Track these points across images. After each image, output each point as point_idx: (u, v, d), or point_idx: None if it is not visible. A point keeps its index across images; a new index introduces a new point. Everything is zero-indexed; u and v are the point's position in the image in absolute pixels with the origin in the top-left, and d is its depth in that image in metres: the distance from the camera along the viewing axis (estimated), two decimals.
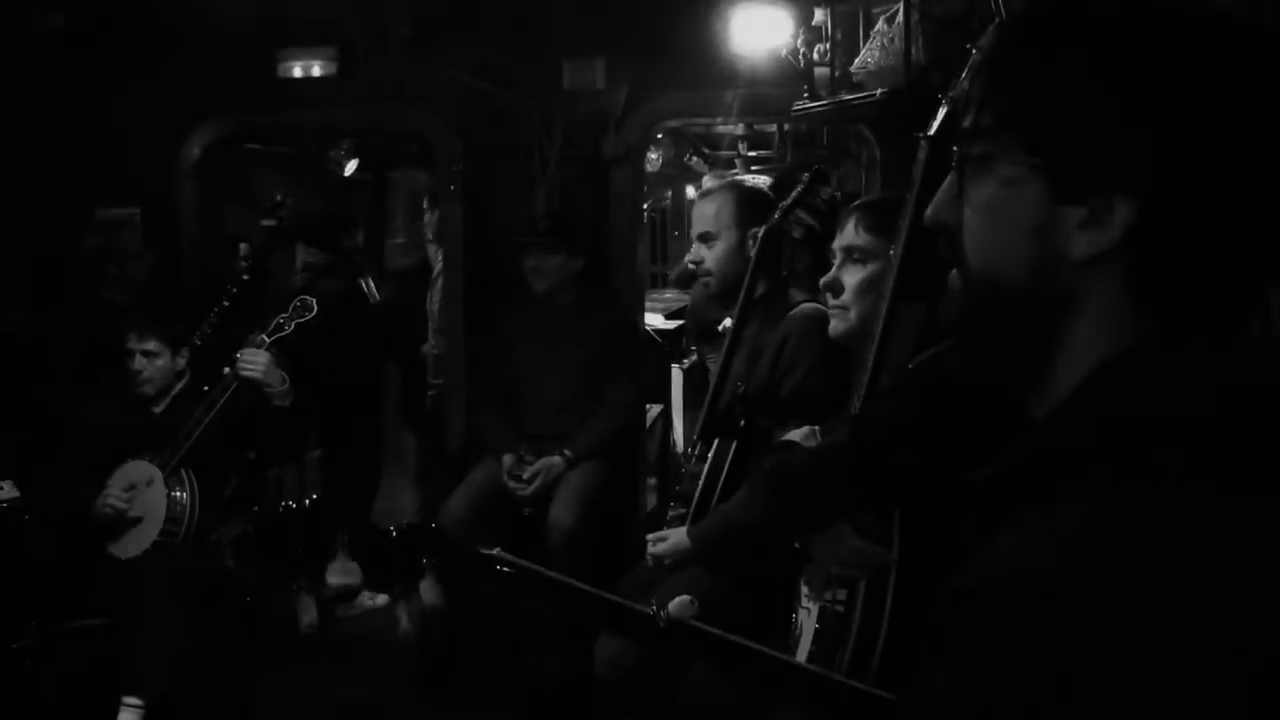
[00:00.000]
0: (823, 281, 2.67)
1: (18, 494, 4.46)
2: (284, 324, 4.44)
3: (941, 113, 2.33)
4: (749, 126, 7.93)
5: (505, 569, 1.45)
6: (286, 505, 5.01)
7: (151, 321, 4.49)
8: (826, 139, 7.11)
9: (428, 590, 5.09)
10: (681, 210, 11.08)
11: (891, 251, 2.42)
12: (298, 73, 5.75)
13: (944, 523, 2.30)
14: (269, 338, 4.40)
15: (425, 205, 6.16)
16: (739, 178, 3.97)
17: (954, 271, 1.09)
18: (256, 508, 4.80)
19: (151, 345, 4.43)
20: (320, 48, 5.68)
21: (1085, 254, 0.96)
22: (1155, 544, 0.83)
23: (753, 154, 9.63)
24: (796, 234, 3.43)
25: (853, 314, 2.61)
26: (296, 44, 5.72)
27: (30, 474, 4.49)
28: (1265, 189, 0.94)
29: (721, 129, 8.68)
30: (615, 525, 4.86)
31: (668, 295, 9.15)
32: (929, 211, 1.11)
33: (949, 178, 1.08)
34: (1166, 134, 0.94)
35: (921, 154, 2.36)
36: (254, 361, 4.24)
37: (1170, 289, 0.96)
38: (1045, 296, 0.99)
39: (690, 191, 11.24)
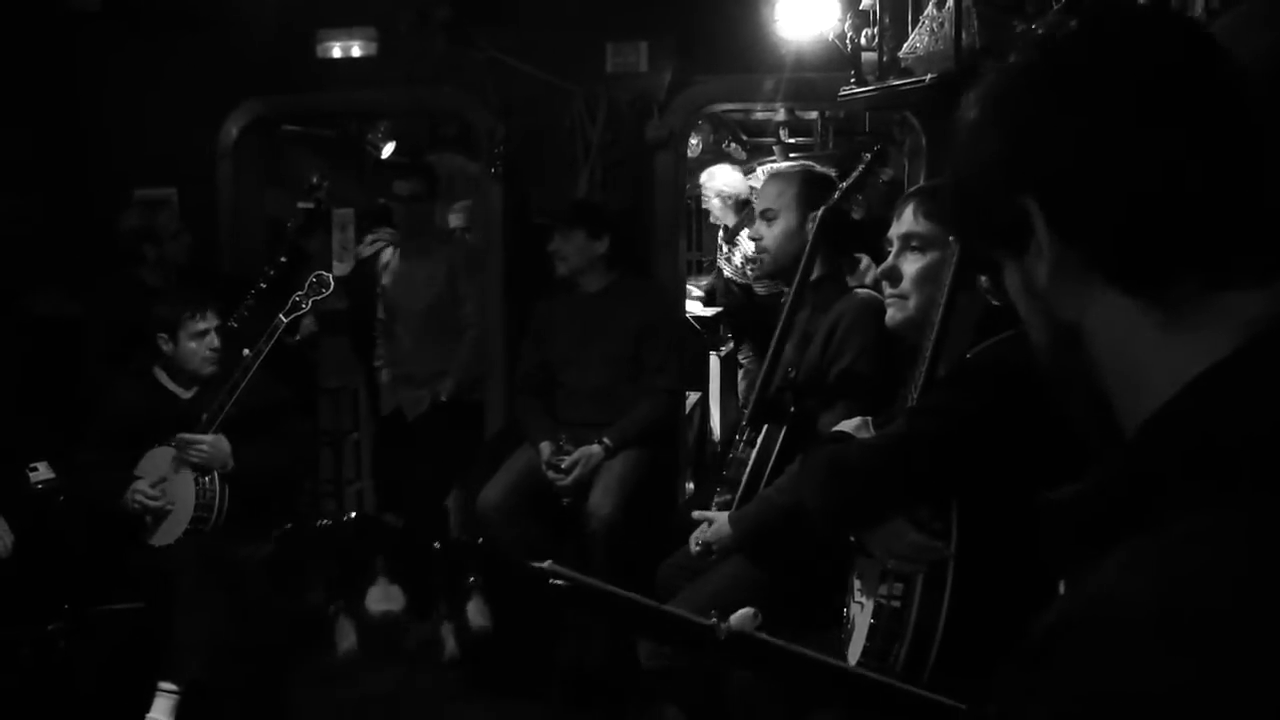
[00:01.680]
0: (880, 270, 2.61)
1: (53, 475, 4.44)
2: (300, 302, 4.40)
3: None
4: (790, 113, 7.84)
5: (559, 583, 1.40)
6: (321, 523, 4.85)
7: (205, 297, 4.48)
8: (869, 126, 7.03)
9: (475, 611, 4.83)
10: None
11: (952, 238, 2.35)
12: (337, 53, 5.72)
13: (1003, 516, 2.24)
14: (286, 318, 4.36)
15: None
16: (808, 163, 3.92)
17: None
18: (290, 525, 4.67)
19: (212, 321, 4.41)
20: (360, 28, 5.65)
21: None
22: (1275, 570, 0.77)
23: (792, 140, 9.55)
24: (856, 215, 3.37)
25: (912, 303, 2.54)
26: (336, 24, 5.69)
27: (65, 456, 4.47)
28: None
29: (762, 115, 8.61)
30: (654, 514, 4.80)
31: (704, 282, 9.08)
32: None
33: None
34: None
35: None
36: (211, 449, 4.26)
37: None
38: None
39: None
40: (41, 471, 4.43)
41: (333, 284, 4.47)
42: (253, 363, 4.28)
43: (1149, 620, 0.78)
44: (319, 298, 4.45)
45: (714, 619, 1.41)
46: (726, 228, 7.48)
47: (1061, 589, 0.99)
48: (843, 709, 1.98)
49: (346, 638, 4.86)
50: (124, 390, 4.49)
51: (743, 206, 7.05)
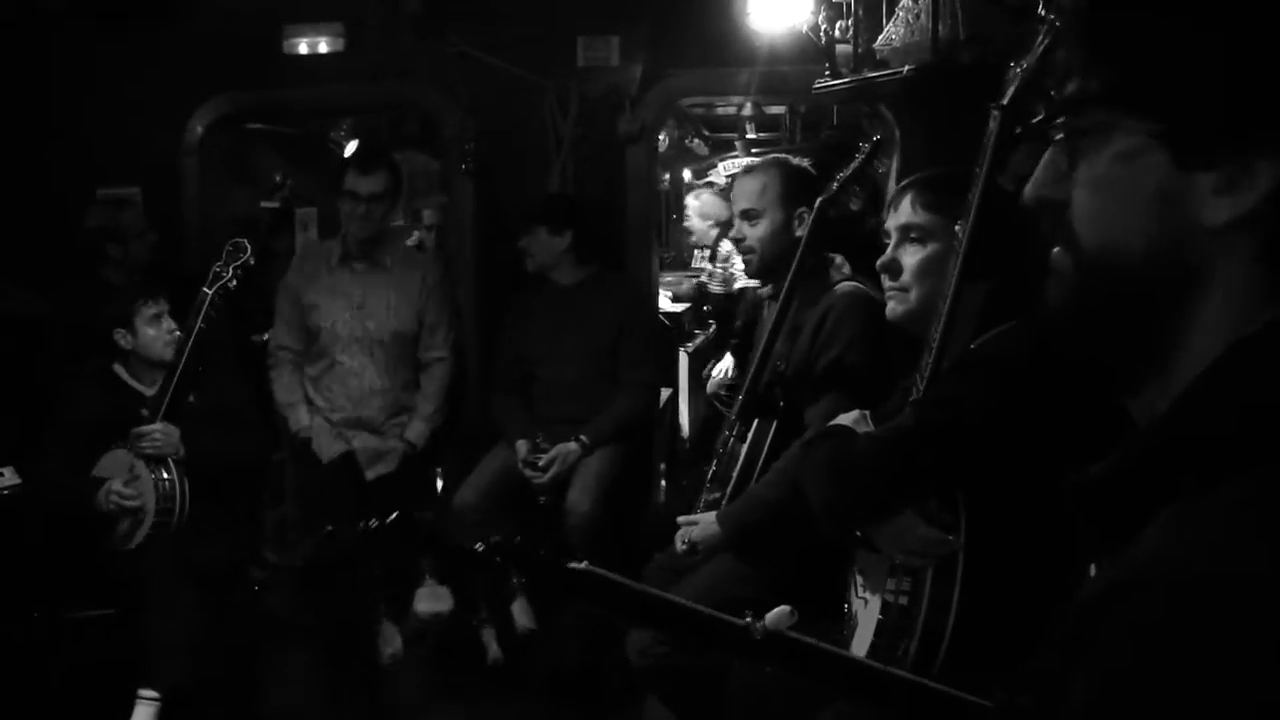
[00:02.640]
0: (879, 263, 2.57)
1: (18, 481, 4.35)
2: (221, 271, 4.32)
3: (1014, 82, 2.23)
4: (757, 108, 7.85)
5: (595, 584, 1.36)
6: (366, 524, 4.69)
7: (154, 284, 4.44)
8: (836, 120, 7.02)
9: (520, 612, 4.71)
10: (680, 194, 10.98)
11: (957, 228, 2.32)
12: (304, 49, 5.66)
13: (1013, 507, 2.23)
14: (210, 290, 4.27)
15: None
16: (783, 155, 3.87)
17: (1057, 251, 1.01)
18: (330, 528, 4.49)
19: (164, 305, 4.33)
20: (327, 23, 5.58)
21: (1224, 221, 0.88)
22: None
23: (756, 136, 9.56)
24: (854, 206, 3.34)
25: (913, 296, 2.50)
26: (302, 20, 5.62)
27: (28, 459, 4.38)
28: None
29: (724, 110, 8.61)
30: (632, 511, 4.77)
31: (669, 279, 9.06)
32: (1030, 189, 1.04)
33: (1050, 152, 1.01)
34: None
35: (993, 124, 2.27)
36: (163, 435, 4.17)
37: None
38: (1169, 272, 0.92)
39: (688, 174, 11.15)
40: (6, 477, 4.35)
41: (249, 249, 4.37)
42: (186, 341, 4.19)
43: (1200, 584, 0.75)
44: (238, 263, 4.35)
45: (749, 618, 1.38)
46: (709, 248, 7.62)
47: (1093, 572, 0.96)
48: (862, 708, 1.95)
49: (391, 643, 4.70)
50: (84, 392, 4.38)
51: (727, 228, 7.13)
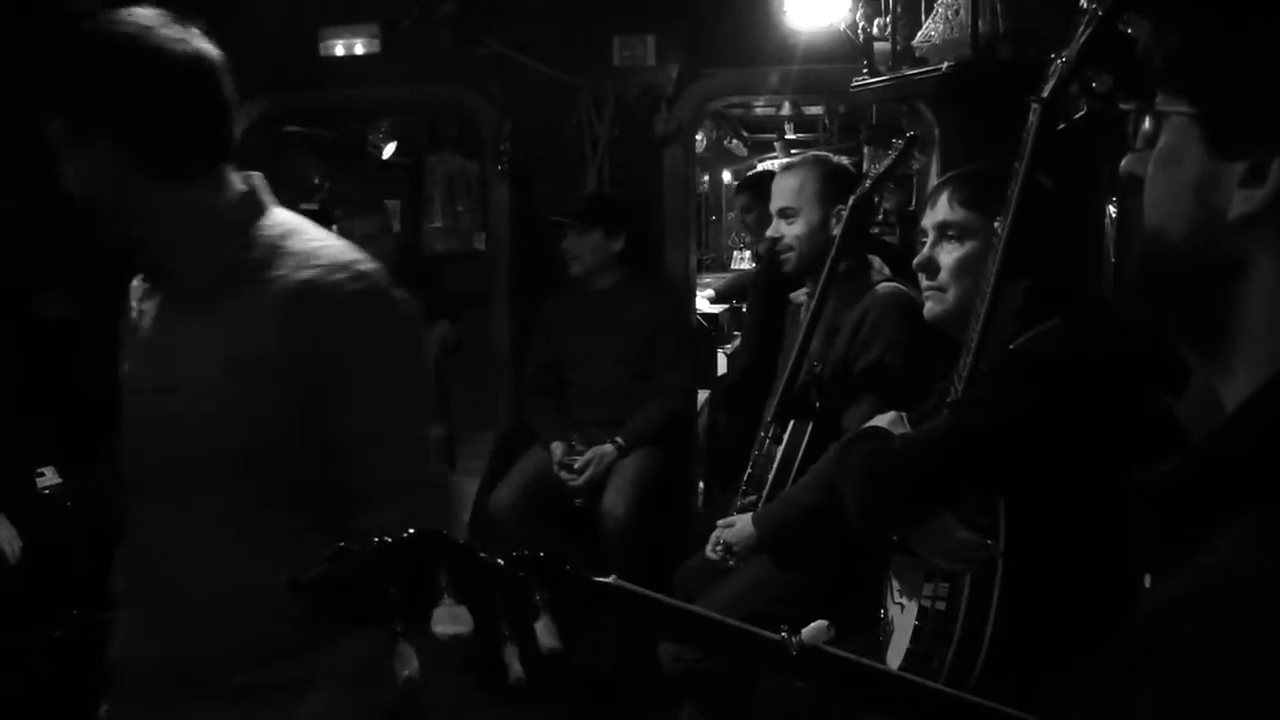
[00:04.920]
0: (916, 261, 2.52)
1: (60, 480, 4.36)
2: None
3: (1055, 75, 2.18)
4: (795, 107, 7.80)
5: (623, 599, 1.32)
6: (381, 540, 4.63)
7: None
8: (875, 119, 6.98)
9: (544, 631, 4.59)
10: (720, 194, 10.97)
11: (996, 225, 2.27)
12: (339, 51, 5.65)
13: (1053, 512, 2.18)
14: None
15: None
16: (821, 154, 3.82)
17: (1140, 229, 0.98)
18: (342, 544, 4.40)
19: None
20: (363, 25, 5.57)
21: (1241, 214, 0.85)
22: None
23: (795, 136, 9.52)
24: (888, 204, 3.30)
25: (950, 295, 2.45)
26: (338, 22, 5.61)
27: (72, 461, 4.38)
28: None
29: (763, 111, 8.58)
30: (669, 514, 4.73)
31: (707, 280, 9.03)
32: (1124, 164, 1.00)
33: (1145, 127, 0.98)
34: None
35: (1033, 118, 2.21)
36: None
37: None
38: (1209, 259, 0.89)
39: (727, 176, 11.13)
40: (49, 476, 4.36)
41: None
42: None
43: (1274, 600, 0.71)
44: None
45: (784, 633, 1.34)
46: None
47: (1148, 582, 0.91)
48: None
49: (408, 664, 4.61)
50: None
51: None
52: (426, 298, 5.11)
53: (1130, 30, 1.95)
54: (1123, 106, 2.25)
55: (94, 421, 4.36)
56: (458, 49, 5.33)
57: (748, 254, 7.92)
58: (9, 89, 5.54)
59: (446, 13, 5.27)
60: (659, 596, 1.35)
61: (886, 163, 3.28)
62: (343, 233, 4.85)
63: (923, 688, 1.42)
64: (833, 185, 3.53)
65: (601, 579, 1.32)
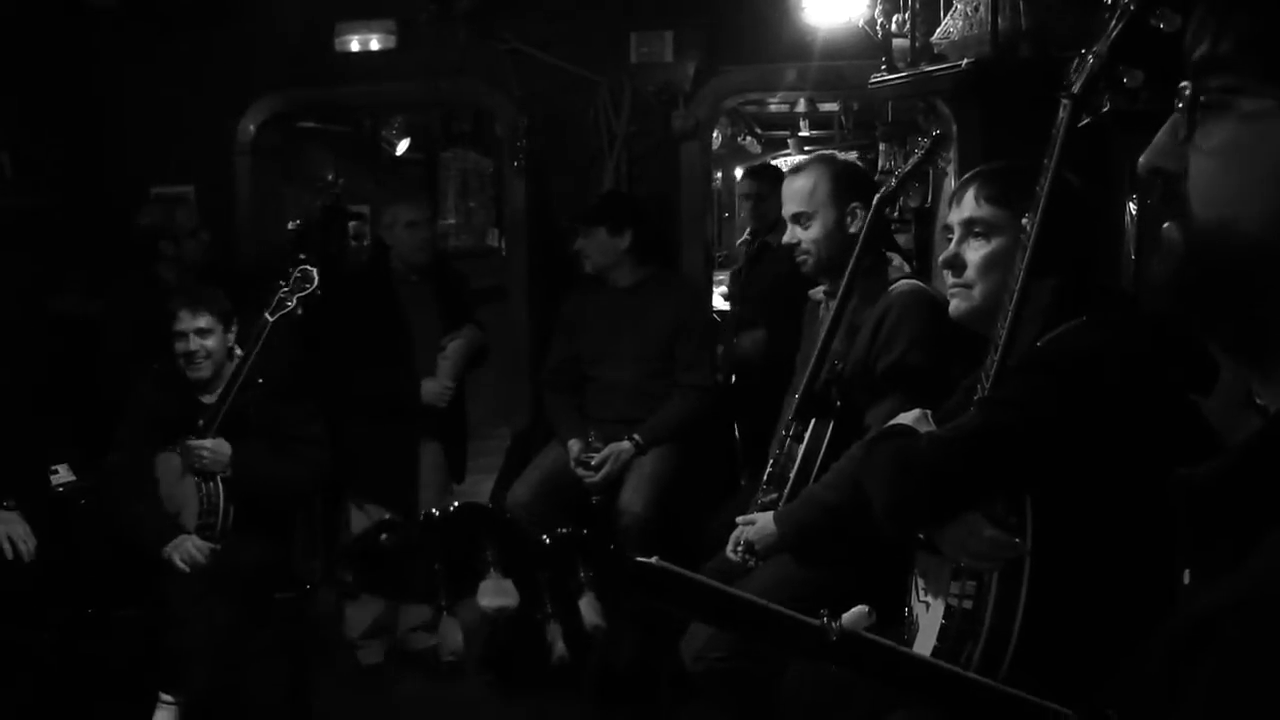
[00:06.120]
0: (942, 258, 2.50)
1: (74, 477, 4.36)
2: (285, 299, 4.29)
3: (1085, 70, 2.16)
4: (811, 104, 7.78)
5: (664, 579, 1.31)
6: (429, 513, 4.57)
7: (200, 297, 4.31)
8: (891, 115, 6.94)
9: (588, 608, 4.49)
10: (733, 191, 10.93)
11: (1024, 221, 2.26)
12: (355, 47, 5.65)
13: (1081, 509, 2.16)
14: (272, 316, 4.24)
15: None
16: (829, 152, 3.79)
17: (1167, 225, 0.95)
18: (389, 515, 4.36)
19: (204, 322, 4.23)
20: (379, 20, 5.57)
21: None
22: None
23: (808, 134, 9.49)
24: (914, 202, 3.27)
25: (977, 292, 2.44)
26: (354, 17, 5.61)
27: (86, 458, 4.38)
28: None
29: (777, 108, 8.55)
30: (687, 512, 4.71)
31: (721, 278, 9.00)
32: (1144, 158, 0.98)
33: (1171, 120, 0.95)
34: None
35: (1063, 114, 2.19)
36: (212, 453, 4.13)
37: None
38: None
39: (739, 173, 11.10)
40: (62, 474, 4.36)
41: (316, 279, 4.34)
42: (243, 365, 4.18)
43: None
44: (304, 293, 4.31)
45: (824, 618, 1.33)
46: None
47: (1186, 579, 0.89)
48: (931, 713, 1.89)
49: (453, 638, 4.60)
50: (150, 390, 4.36)
51: None
52: (451, 300, 5.12)
53: (1162, 25, 1.92)
54: (1146, 103, 2.22)
55: (109, 419, 4.39)
56: (474, 45, 5.33)
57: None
58: (33, 88, 5.56)
59: (463, 8, 5.27)
60: (701, 578, 1.34)
61: (914, 160, 3.25)
62: (387, 219, 4.92)
63: (960, 677, 1.41)
64: (844, 184, 3.48)
65: (644, 559, 1.31)
